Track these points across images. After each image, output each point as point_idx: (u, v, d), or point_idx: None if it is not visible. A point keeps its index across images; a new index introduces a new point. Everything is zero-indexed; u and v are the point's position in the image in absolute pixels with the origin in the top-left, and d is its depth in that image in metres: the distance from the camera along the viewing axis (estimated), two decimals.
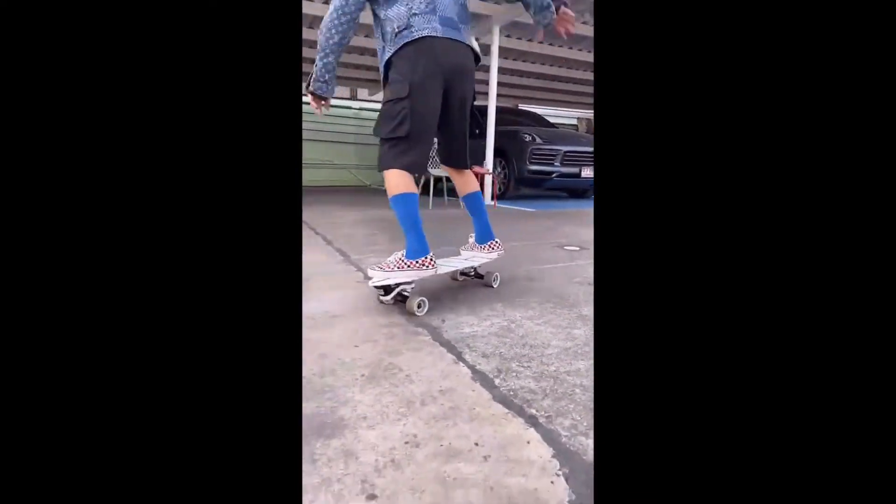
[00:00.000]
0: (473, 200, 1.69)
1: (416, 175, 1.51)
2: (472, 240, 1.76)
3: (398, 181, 1.44)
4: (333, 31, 1.37)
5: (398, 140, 1.43)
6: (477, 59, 1.56)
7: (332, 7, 1.36)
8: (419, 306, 1.44)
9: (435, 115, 1.48)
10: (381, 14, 1.43)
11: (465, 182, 1.68)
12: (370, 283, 1.47)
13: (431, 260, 1.47)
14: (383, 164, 1.46)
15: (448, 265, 1.62)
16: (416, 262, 1.44)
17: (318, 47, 1.38)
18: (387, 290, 1.49)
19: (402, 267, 1.45)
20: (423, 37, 1.40)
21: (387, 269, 1.45)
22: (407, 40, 1.40)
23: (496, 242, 1.72)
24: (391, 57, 1.42)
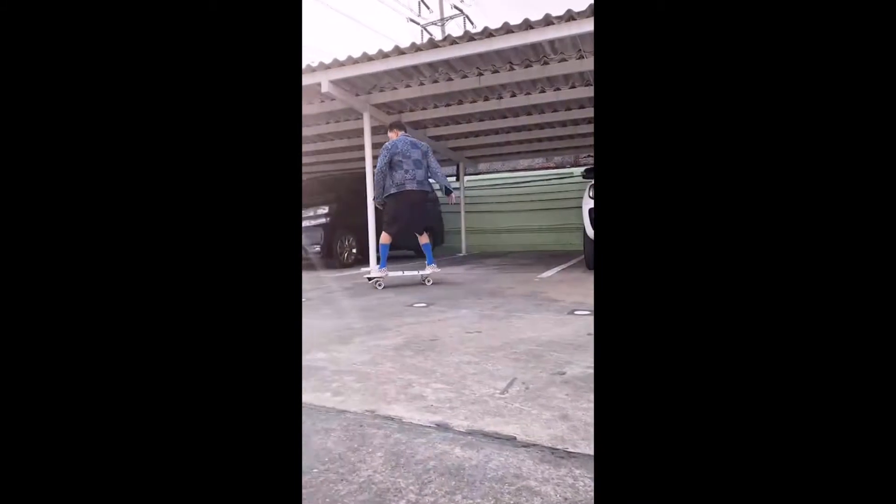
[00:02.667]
0: (424, 248, 3.98)
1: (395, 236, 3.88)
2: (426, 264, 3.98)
3: (387, 237, 3.81)
4: (375, 183, 3.81)
5: (390, 226, 3.85)
6: (437, 191, 4.38)
7: (376, 167, 3.75)
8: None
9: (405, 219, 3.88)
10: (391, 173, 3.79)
11: (421, 239, 3.98)
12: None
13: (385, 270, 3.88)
14: (384, 230, 3.86)
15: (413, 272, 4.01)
16: (383, 270, 3.87)
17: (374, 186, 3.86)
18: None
19: (379, 273, 3.84)
20: (403, 191, 3.72)
21: (374, 271, 3.90)
22: (395, 191, 3.73)
23: (433, 266, 3.91)
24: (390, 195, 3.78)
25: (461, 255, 7.94)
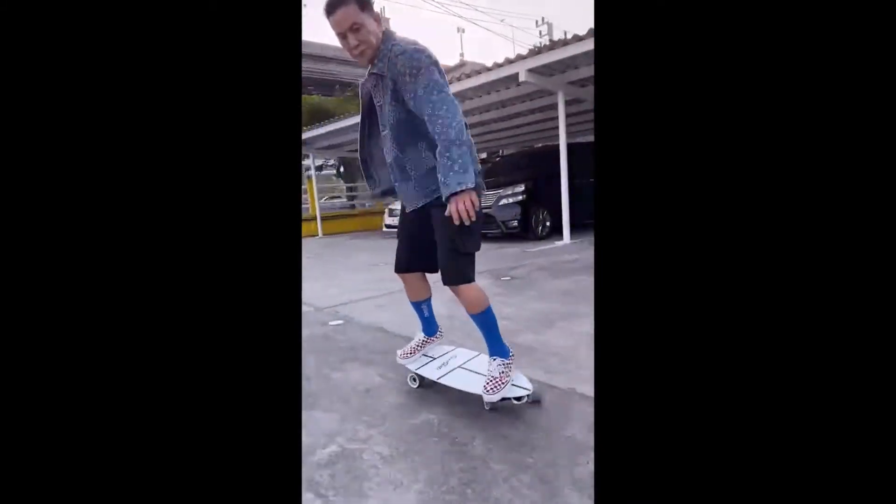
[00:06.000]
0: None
1: None
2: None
3: (480, 293, 1.44)
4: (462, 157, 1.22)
5: (472, 255, 1.43)
6: None
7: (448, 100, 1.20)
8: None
9: None
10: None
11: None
12: (491, 401, 1.44)
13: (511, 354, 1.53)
14: (464, 278, 1.41)
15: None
16: (510, 358, 1.50)
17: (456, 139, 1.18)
18: (517, 397, 1.46)
19: (508, 369, 1.47)
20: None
21: (502, 384, 1.43)
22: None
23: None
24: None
25: None
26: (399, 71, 1.21)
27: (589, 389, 1.64)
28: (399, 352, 1.75)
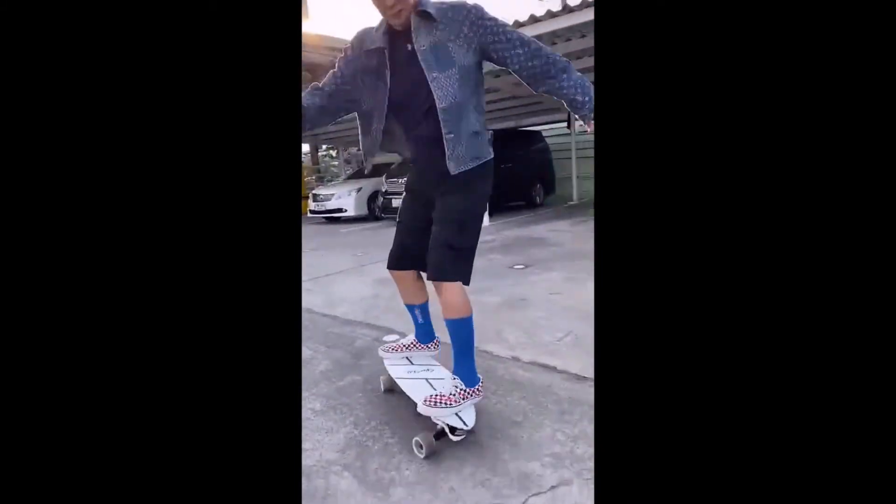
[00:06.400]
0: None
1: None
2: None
3: (465, 298, 1.30)
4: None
5: (472, 251, 1.31)
6: None
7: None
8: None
9: None
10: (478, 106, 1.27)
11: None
12: (423, 412, 1.29)
13: (482, 384, 1.37)
14: (451, 275, 1.27)
15: None
16: (475, 389, 1.34)
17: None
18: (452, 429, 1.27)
19: (466, 397, 1.30)
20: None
21: (444, 403, 1.26)
22: (493, 156, 1.33)
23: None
24: (485, 162, 1.30)
25: (573, 203, 8.21)
26: (472, 27, 1.18)
27: (490, 346, 1.99)
28: (386, 345, 1.66)
